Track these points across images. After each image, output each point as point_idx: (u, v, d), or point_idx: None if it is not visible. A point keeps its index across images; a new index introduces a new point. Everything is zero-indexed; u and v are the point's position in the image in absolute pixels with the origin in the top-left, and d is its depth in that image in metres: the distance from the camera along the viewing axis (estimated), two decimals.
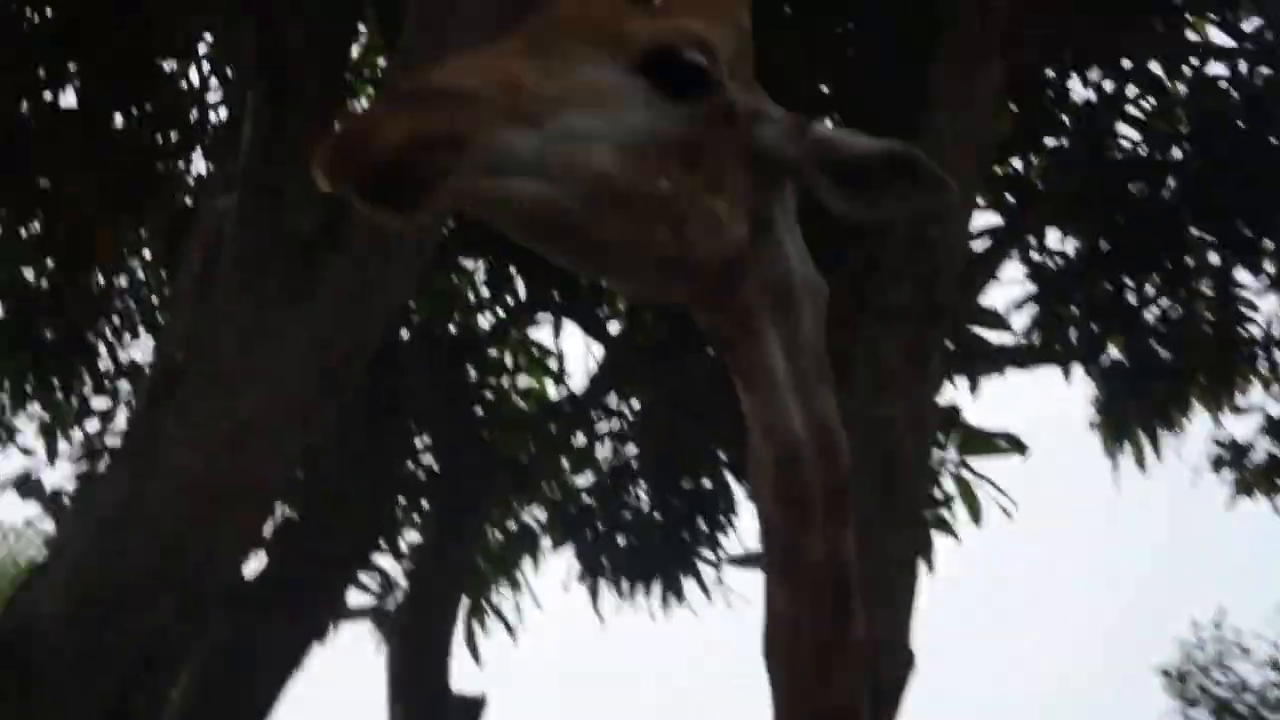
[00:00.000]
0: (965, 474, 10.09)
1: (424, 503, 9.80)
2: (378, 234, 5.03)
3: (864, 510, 5.63)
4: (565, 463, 10.74)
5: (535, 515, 11.09)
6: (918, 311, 5.83)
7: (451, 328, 9.83)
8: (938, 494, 10.28)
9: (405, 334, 9.19)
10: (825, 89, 8.54)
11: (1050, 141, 9.54)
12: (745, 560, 9.85)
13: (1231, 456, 9.88)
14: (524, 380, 11.02)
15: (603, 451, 10.63)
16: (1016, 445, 9.59)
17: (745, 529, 10.36)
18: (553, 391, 10.73)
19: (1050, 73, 9.15)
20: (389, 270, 5.27)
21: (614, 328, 9.96)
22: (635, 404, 10.37)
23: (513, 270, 9.31)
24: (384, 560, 9.90)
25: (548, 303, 9.63)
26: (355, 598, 9.64)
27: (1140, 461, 9.99)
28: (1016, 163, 9.57)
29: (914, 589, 5.61)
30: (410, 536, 10.06)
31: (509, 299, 9.79)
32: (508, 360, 10.49)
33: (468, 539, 9.06)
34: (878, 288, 5.97)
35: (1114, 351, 9.92)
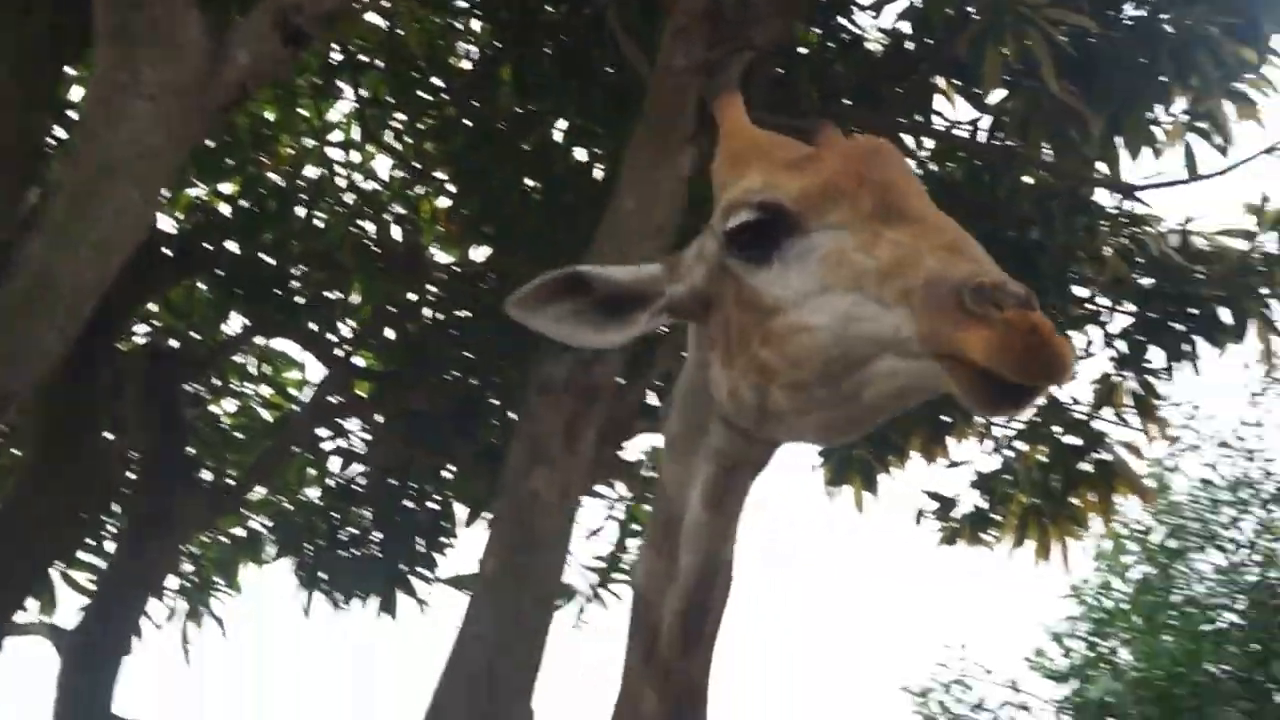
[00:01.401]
0: None
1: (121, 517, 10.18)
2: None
3: (502, 577, 6.27)
4: (293, 477, 11.24)
5: (262, 523, 11.57)
6: (575, 389, 6.43)
7: (173, 342, 10.24)
8: None
9: (122, 347, 9.55)
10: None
11: None
12: (458, 582, 10.47)
13: (939, 508, 10.75)
14: (264, 391, 11.51)
15: (333, 467, 11.17)
16: None
17: (459, 553, 11.00)
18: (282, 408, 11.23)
19: None
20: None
21: (339, 351, 10.46)
22: (367, 424, 10.89)
23: (236, 290, 9.73)
24: (79, 575, 10.28)
25: (269, 323, 10.08)
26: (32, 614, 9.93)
27: (859, 504, 10.81)
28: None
29: (540, 655, 6.25)
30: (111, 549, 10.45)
31: (231, 318, 10.21)
32: (224, 378, 10.94)
33: (153, 555, 9.41)
34: (539, 363, 6.56)
35: None
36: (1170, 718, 16.47)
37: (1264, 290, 9.56)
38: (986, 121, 9.17)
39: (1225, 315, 9.59)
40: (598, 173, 9.56)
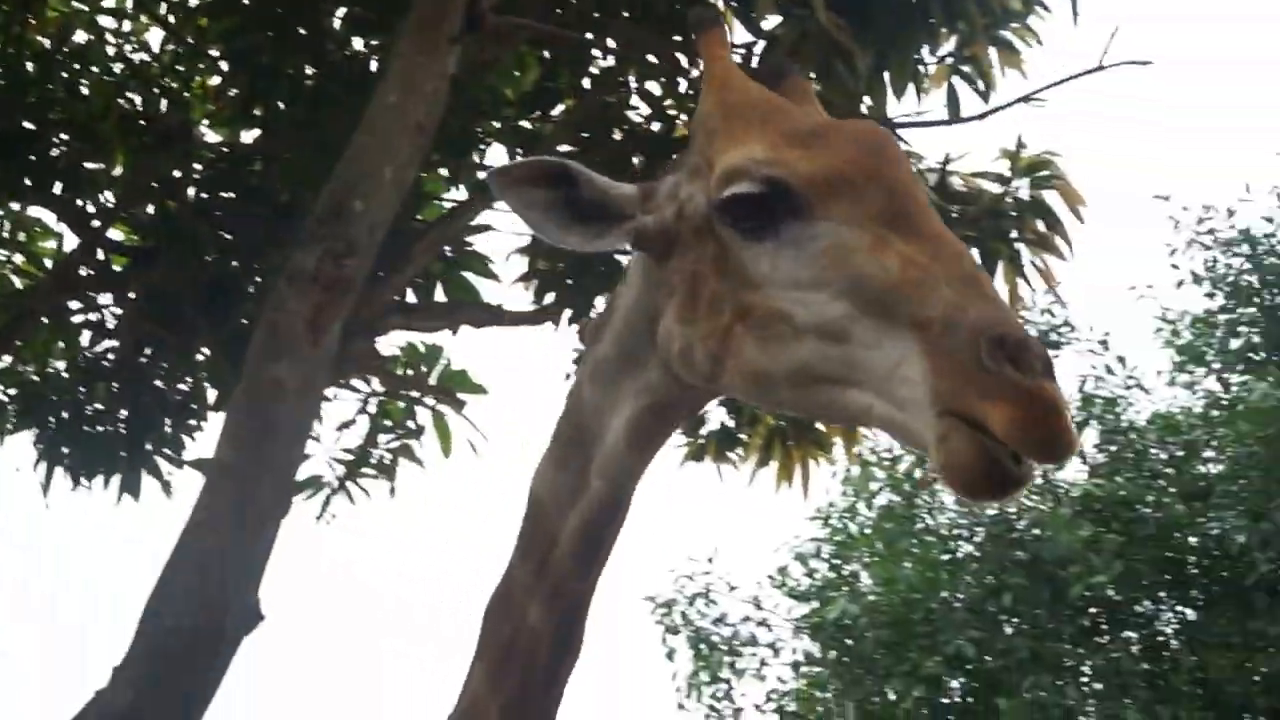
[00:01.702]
0: (442, 408, 11.00)
1: None
2: None
3: (238, 464, 6.33)
4: (41, 348, 11.02)
5: (5, 392, 11.33)
6: (324, 279, 6.51)
7: None
8: (410, 425, 11.18)
9: None
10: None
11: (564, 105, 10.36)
12: (199, 465, 10.43)
13: (690, 424, 11.04)
14: (17, 259, 11.23)
15: (83, 341, 10.97)
16: (477, 388, 10.59)
17: (208, 436, 10.97)
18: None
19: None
20: None
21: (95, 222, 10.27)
22: (120, 299, 10.72)
23: None
24: None
25: (23, 189, 9.85)
26: None
27: None
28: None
29: (270, 546, 6.34)
30: None
31: None
32: None
33: None
34: (292, 253, 6.62)
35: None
36: (904, 641, 17.13)
37: (1014, 234, 10.00)
38: (760, 46, 9.38)
39: (975, 256, 10.04)
40: (373, 64, 9.54)
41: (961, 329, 2.06)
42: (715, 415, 11.02)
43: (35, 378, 11.17)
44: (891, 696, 16.97)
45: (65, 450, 10.75)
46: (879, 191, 2.29)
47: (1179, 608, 17.06)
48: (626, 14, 8.97)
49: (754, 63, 9.92)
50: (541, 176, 2.54)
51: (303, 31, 9.48)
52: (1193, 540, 16.32)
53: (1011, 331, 2.03)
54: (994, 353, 2.01)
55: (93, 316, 10.80)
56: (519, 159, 2.58)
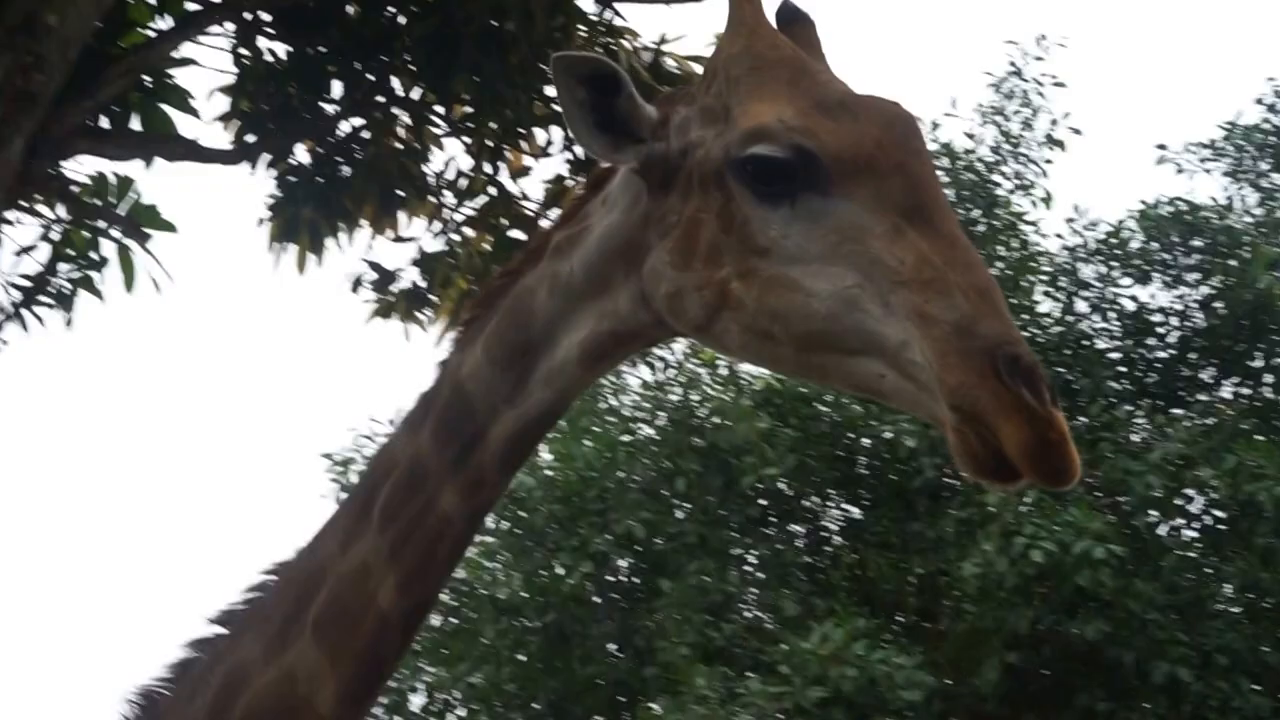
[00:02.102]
0: (128, 242, 10.71)
1: None
2: None
3: None
4: None
5: None
6: (9, 91, 6.32)
7: None
8: (94, 256, 10.86)
9: None
10: None
11: None
12: None
13: (377, 280, 11.06)
14: None
15: None
16: (166, 225, 10.38)
17: None
18: None
19: None
20: None
21: None
22: None
23: None
24: None
25: None
26: None
27: (301, 266, 10.95)
28: None
29: None
30: None
31: None
32: None
33: None
34: None
35: (301, 157, 10.75)
36: (576, 518, 17.44)
37: None
38: None
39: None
40: None
41: (976, 338, 2.14)
42: (409, 274, 11.04)
43: None
44: (560, 571, 17.31)
45: None
46: (902, 180, 2.33)
47: (845, 506, 17.72)
48: None
49: None
50: (594, 77, 2.56)
51: None
52: (865, 441, 16.94)
53: (1026, 353, 2.12)
54: (1010, 368, 2.09)
55: None
56: (584, 54, 2.59)
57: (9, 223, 9.80)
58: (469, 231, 10.77)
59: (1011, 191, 18.36)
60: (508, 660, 17.46)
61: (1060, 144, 18.46)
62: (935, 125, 18.81)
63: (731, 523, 17.00)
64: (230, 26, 10.06)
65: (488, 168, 10.52)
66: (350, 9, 10.00)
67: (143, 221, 10.59)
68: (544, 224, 10.82)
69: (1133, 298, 17.62)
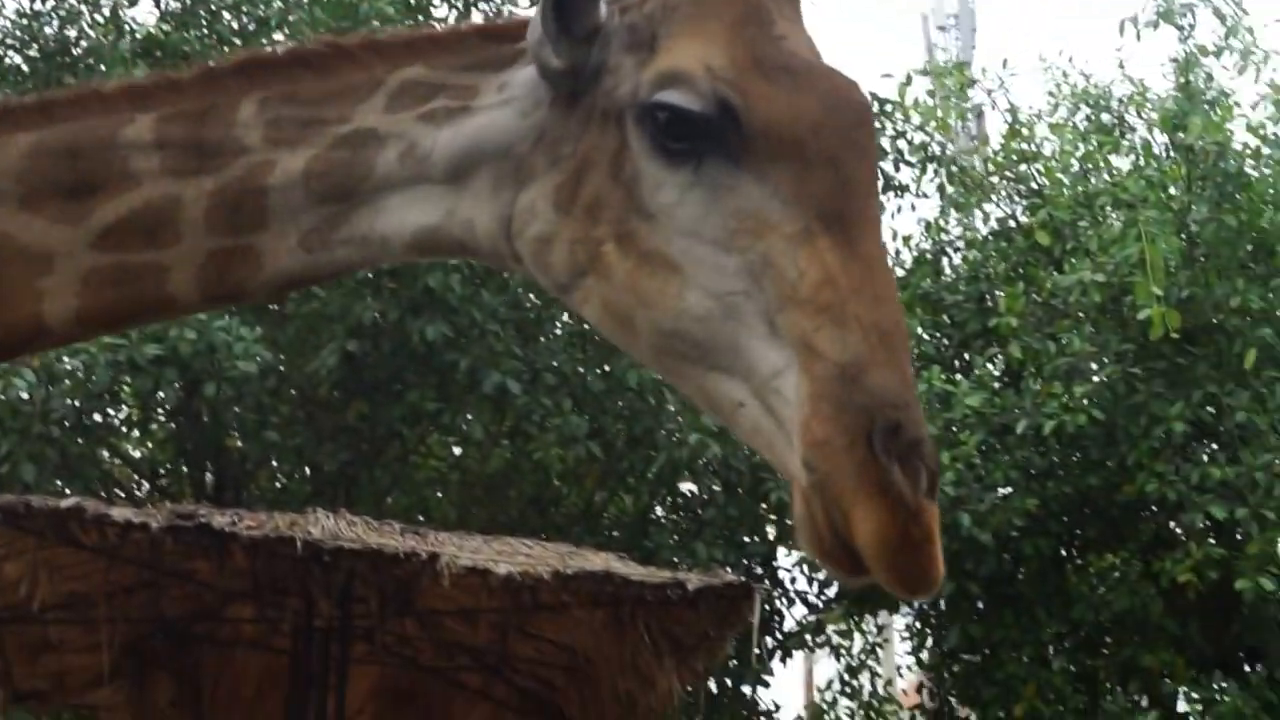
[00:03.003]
0: None
1: None
2: None
3: None
4: None
5: None
6: None
7: None
8: None
9: None
10: None
11: None
12: None
13: None
14: None
15: None
16: None
17: None
18: None
19: None
20: None
21: None
22: None
23: None
24: None
25: None
26: None
27: None
28: None
29: None
30: None
31: None
32: None
33: None
34: None
35: None
36: None
37: None
38: None
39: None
40: None
41: (860, 388, 1.82)
42: None
43: None
44: None
45: None
46: (831, 176, 1.98)
47: None
48: None
49: None
50: None
51: None
52: None
53: (911, 424, 1.81)
54: (886, 440, 1.77)
55: None
56: None
57: None
58: None
59: None
60: None
61: None
62: None
63: None
64: None
65: None
66: None
67: None
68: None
69: None
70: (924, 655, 15.64)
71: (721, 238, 1.95)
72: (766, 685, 14.99)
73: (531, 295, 15.02)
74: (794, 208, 1.95)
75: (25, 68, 16.80)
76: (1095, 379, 14.06)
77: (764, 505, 14.83)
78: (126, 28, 15.65)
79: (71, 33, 16.09)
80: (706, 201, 1.98)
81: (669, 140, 2.02)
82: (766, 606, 13.49)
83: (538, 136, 2.19)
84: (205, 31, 15.00)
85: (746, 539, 14.90)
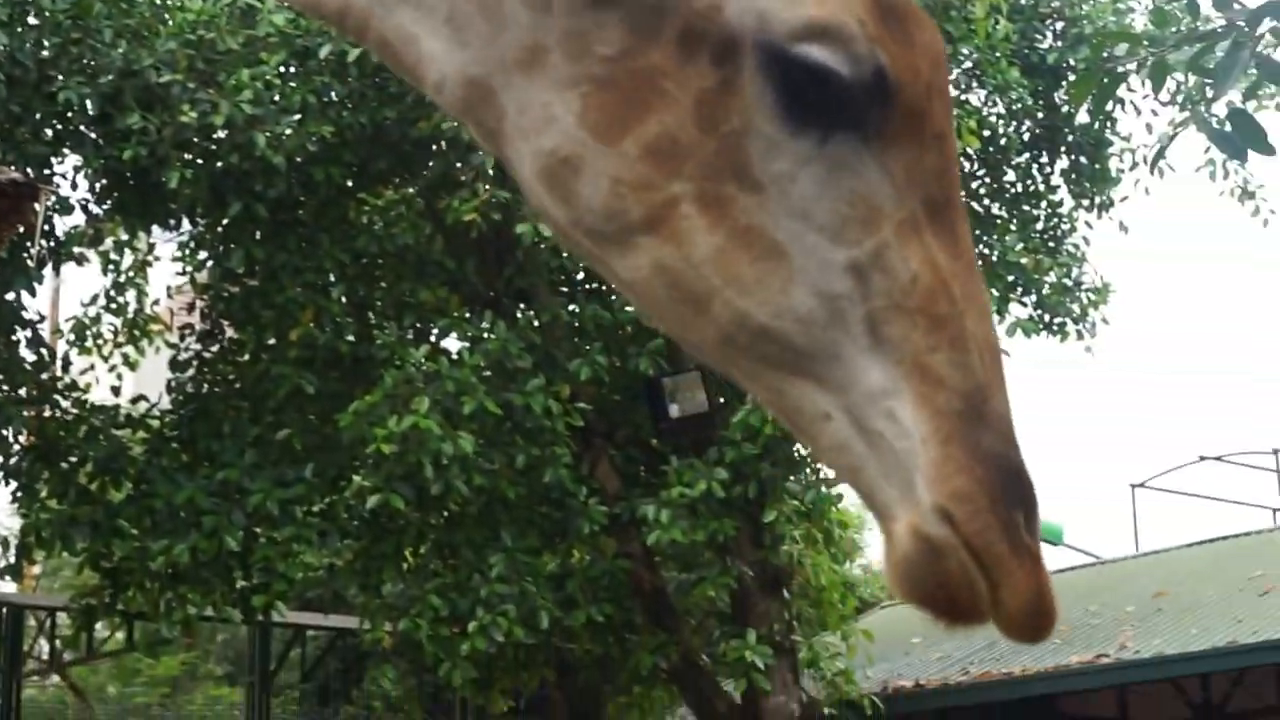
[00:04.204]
0: None
1: None
2: None
3: None
4: None
5: None
6: None
7: None
8: None
9: None
10: None
11: None
12: None
13: None
14: None
15: None
16: None
17: None
18: None
19: None
20: None
21: None
22: None
23: None
24: None
25: None
26: None
27: None
28: None
29: None
30: None
31: None
32: None
33: None
34: None
35: None
36: None
37: None
38: None
39: None
40: None
41: (987, 429, 1.66)
42: None
43: None
44: None
45: None
46: (938, 156, 1.74)
47: None
48: None
49: None
50: None
51: None
52: None
53: (1025, 466, 1.68)
54: (1018, 493, 1.65)
55: None
56: None
57: None
58: None
59: None
60: None
61: None
62: None
63: None
64: None
65: None
66: None
67: None
68: None
69: None
70: (201, 276, 15.57)
71: (833, 225, 1.68)
72: (34, 294, 14.42)
73: None
74: (904, 194, 1.70)
75: None
76: None
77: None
78: None
79: None
80: (823, 180, 1.68)
81: (795, 100, 1.67)
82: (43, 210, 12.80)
83: (545, 9, 1.75)
84: None
85: (30, 137, 14.05)
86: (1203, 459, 25.30)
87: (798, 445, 15.29)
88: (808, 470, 15.84)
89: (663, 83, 1.69)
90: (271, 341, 15.05)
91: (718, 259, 1.68)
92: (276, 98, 14.10)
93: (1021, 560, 1.63)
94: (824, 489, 15.73)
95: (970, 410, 1.65)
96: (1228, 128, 6.59)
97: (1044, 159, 18.57)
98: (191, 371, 15.51)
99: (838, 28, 1.67)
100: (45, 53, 14.09)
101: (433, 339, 15.61)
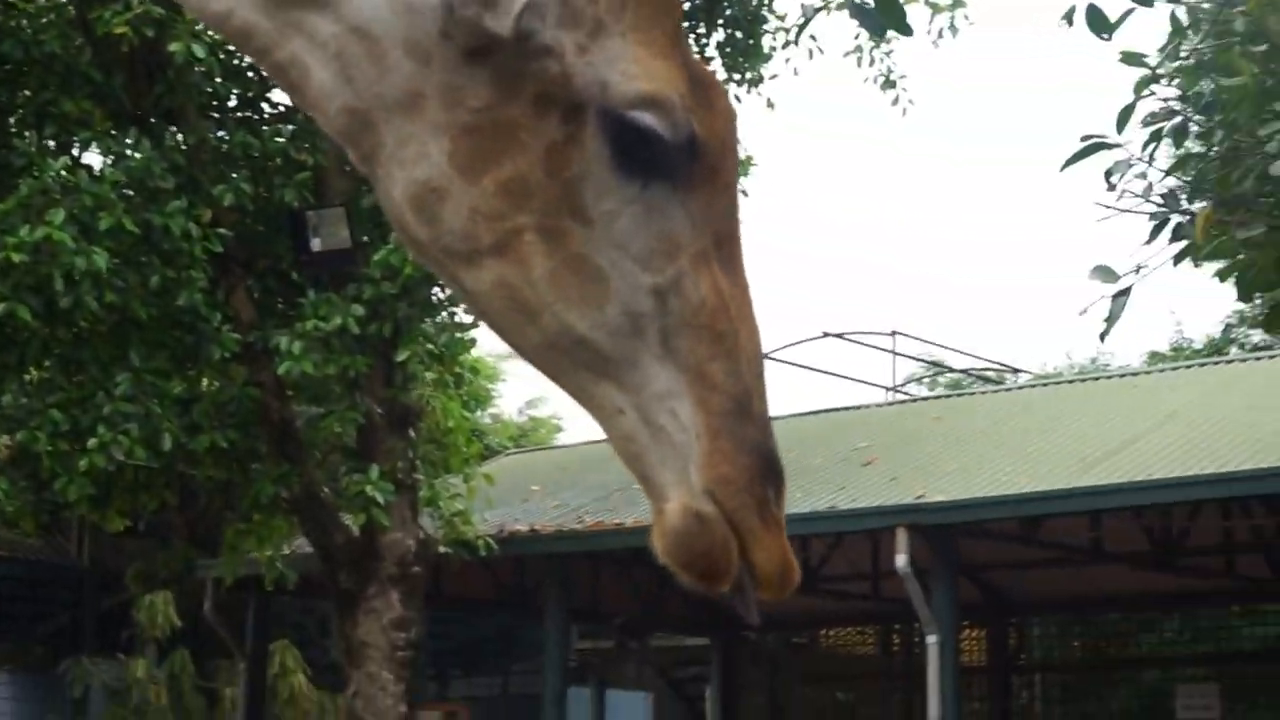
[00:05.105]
0: None
1: None
2: None
3: None
4: None
5: None
6: None
7: None
8: None
9: None
10: None
11: None
12: None
13: None
14: None
15: None
16: None
17: None
18: None
19: None
20: None
21: None
22: None
23: None
24: None
25: None
26: None
27: None
28: None
29: None
30: None
31: None
32: None
33: None
34: None
35: None
36: None
37: None
38: None
39: None
40: None
41: (752, 422, 2.06)
42: None
43: None
44: None
45: None
46: (728, 199, 2.19)
47: None
48: None
49: None
50: None
51: None
52: None
53: (778, 452, 2.09)
54: (771, 477, 2.05)
55: None
56: None
57: None
58: None
59: None
60: None
61: None
62: None
63: None
64: None
65: None
66: None
67: None
68: None
69: None
70: None
71: (644, 256, 2.07)
72: None
73: None
74: (700, 230, 2.11)
75: None
76: None
77: None
78: None
79: None
80: (640, 219, 2.08)
81: (625, 155, 2.08)
82: None
83: (443, 88, 2.12)
84: None
85: None
86: (826, 335, 26.92)
87: (436, 289, 15.93)
88: (444, 314, 16.47)
89: (520, 133, 2.09)
90: None
91: (551, 279, 2.06)
92: None
93: (770, 530, 2.03)
94: (458, 334, 16.40)
95: (738, 410, 2.05)
96: (870, 3, 6.94)
97: (701, 30, 19.26)
98: None
99: (663, 99, 2.08)
100: None
101: (74, 152, 15.52)
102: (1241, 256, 8.42)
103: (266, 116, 16.91)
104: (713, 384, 2.04)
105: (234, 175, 15.25)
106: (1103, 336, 8.23)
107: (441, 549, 17.00)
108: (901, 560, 15.94)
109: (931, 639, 16.23)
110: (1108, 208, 8.15)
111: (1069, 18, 7.67)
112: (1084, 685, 23.47)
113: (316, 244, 15.12)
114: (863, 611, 23.19)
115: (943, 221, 77.87)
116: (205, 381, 15.82)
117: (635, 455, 2.09)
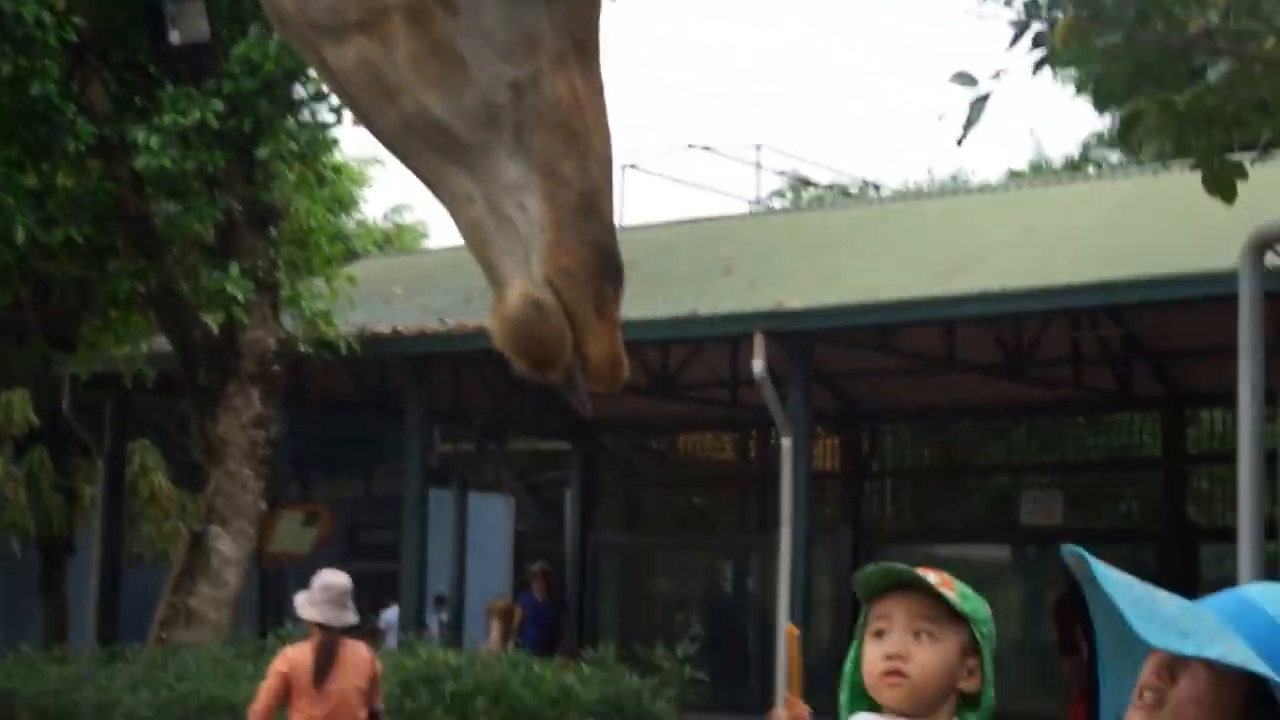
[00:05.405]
0: None
1: None
2: None
3: None
4: None
5: None
6: None
7: None
8: None
9: None
10: None
11: None
12: None
13: None
14: None
15: None
16: None
17: None
18: None
19: None
20: None
21: None
22: None
23: None
24: None
25: None
26: None
27: None
28: None
29: None
30: None
31: None
32: None
33: None
34: None
35: None
36: None
37: None
38: None
39: None
40: None
41: (596, 222, 2.10)
42: None
43: None
44: None
45: None
46: (591, 6, 2.19)
47: None
48: None
49: None
50: None
51: None
52: None
53: (619, 254, 2.13)
54: (611, 272, 2.10)
55: None
56: None
57: None
58: None
59: None
60: None
61: None
62: None
63: None
64: None
65: None
66: None
67: None
68: None
69: None
70: None
71: (505, 49, 2.10)
72: None
73: None
74: (560, 30, 2.12)
75: None
76: None
77: None
78: None
79: None
80: (506, 13, 2.10)
81: None
82: None
83: None
84: None
85: None
86: (691, 147, 27.07)
87: (299, 85, 15.78)
88: (306, 112, 16.34)
89: None
90: None
91: (413, 61, 2.08)
92: None
93: (605, 324, 2.10)
94: (320, 133, 16.29)
95: (585, 207, 2.09)
96: None
97: None
98: None
99: None
100: None
101: None
102: (1099, 66, 8.63)
103: None
104: (562, 180, 2.09)
105: None
106: (959, 142, 8.49)
107: (303, 348, 17.05)
108: (759, 366, 16.22)
109: (786, 442, 16.63)
110: (972, 13, 8.31)
111: None
112: (933, 491, 24.24)
113: (175, 36, 14.92)
114: (721, 418, 23.62)
115: (812, 42, 77.71)
116: (60, 174, 15.59)
117: (481, 243, 2.14)
